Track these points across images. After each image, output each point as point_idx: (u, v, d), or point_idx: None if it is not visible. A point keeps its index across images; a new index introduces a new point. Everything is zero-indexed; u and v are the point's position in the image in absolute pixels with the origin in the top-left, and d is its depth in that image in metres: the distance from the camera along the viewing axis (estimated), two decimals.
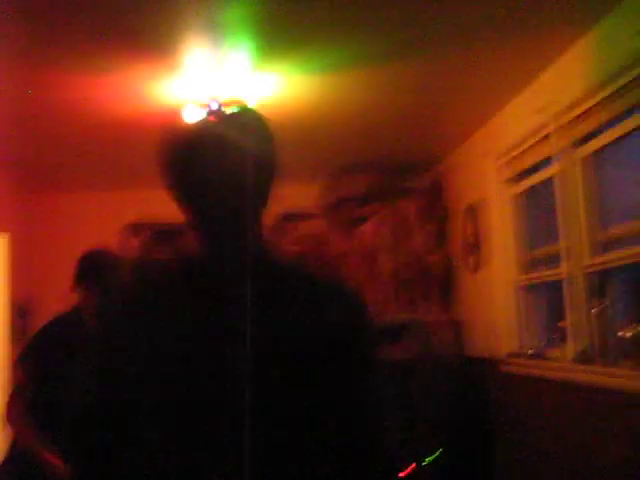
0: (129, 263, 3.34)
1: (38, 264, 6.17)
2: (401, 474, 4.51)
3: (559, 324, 4.01)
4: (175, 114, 4.07)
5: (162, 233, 5.78)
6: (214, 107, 3.83)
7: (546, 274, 4.23)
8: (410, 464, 4.33)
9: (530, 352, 4.23)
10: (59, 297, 5.84)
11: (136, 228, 5.77)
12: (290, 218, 6.13)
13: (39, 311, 5.97)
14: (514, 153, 4.41)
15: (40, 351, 3.18)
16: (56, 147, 4.97)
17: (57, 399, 3.02)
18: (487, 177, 4.82)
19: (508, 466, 4.65)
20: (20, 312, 5.75)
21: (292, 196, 6.59)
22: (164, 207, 6.10)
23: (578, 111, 3.58)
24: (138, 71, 3.64)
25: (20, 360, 3.25)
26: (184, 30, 3.26)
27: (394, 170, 5.80)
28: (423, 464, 4.58)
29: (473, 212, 5.10)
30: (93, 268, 3.28)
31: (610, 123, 3.44)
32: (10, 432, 3.22)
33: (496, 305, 4.73)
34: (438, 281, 5.63)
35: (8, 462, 3.24)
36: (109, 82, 3.76)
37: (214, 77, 3.72)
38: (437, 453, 4.56)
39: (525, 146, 4.24)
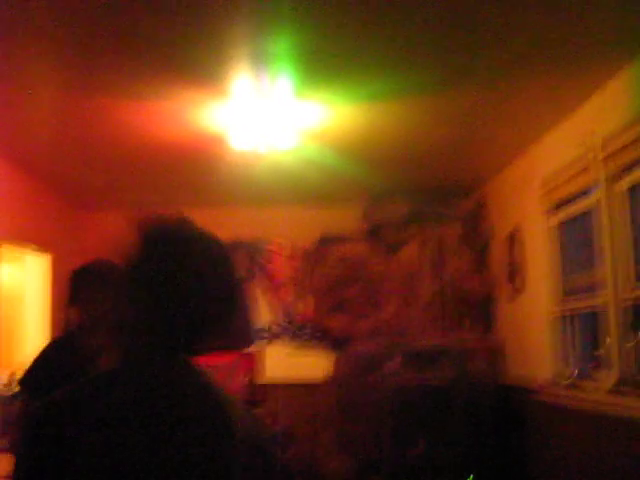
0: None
1: None
2: None
3: (595, 353, 4.02)
4: (221, 141, 4.19)
5: None
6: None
7: (583, 304, 4.23)
8: None
9: (565, 382, 4.23)
10: None
11: None
12: (330, 241, 6.26)
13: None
14: (556, 182, 4.42)
15: (37, 374, 3.01)
16: (102, 168, 5.11)
17: None
18: (527, 205, 4.83)
19: None
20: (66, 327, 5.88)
21: (333, 220, 6.75)
22: (204, 227, 6.20)
23: (619, 143, 3.59)
24: (185, 98, 3.74)
25: (21, 385, 3.12)
26: (231, 59, 3.34)
27: (435, 196, 5.85)
28: None
29: (514, 238, 5.11)
30: (83, 283, 2.96)
31: None
32: None
33: (533, 333, 4.73)
34: (476, 307, 5.64)
35: None
36: (157, 108, 3.89)
37: (259, 105, 3.81)
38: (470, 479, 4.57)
39: (565, 176, 4.25)
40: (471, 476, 4.67)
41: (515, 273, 5.09)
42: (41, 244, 5.42)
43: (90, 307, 2.86)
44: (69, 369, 3.04)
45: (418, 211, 5.84)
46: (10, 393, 5.83)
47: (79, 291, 2.93)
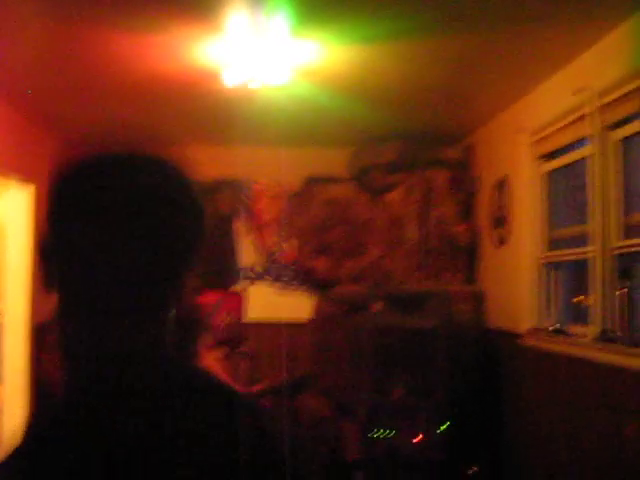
0: None
1: None
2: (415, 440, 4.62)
3: (578, 300, 4.08)
4: (214, 77, 4.11)
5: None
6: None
7: (571, 252, 4.27)
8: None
9: (551, 328, 4.28)
10: None
11: None
12: (317, 182, 6.23)
13: None
14: (547, 131, 4.41)
15: None
16: (91, 101, 5.00)
17: None
18: (518, 153, 4.82)
19: (518, 440, 4.73)
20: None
21: (322, 160, 6.74)
22: (194, 164, 6.19)
23: (615, 95, 3.58)
24: (179, 32, 3.65)
25: None
26: None
27: (424, 140, 5.82)
28: (437, 431, 4.68)
29: (502, 186, 5.11)
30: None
31: None
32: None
33: (519, 280, 4.77)
34: (463, 252, 5.67)
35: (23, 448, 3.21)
36: (149, 42, 3.78)
37: (254, 41, 3.73)
38: (446, 425, 4.64)
39: (559, 125, 4.24)
40: (447, 423, 4.74)
41: (502, 221, 5.10)
42: (23, 174, 5.33)
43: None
44: None
45: (406, 156, 5.81)
46: None
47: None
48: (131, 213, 1.07)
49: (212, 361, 3.41)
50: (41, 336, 5.01)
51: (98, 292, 1.07)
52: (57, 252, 1.11)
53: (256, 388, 3.14)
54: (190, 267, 1.16)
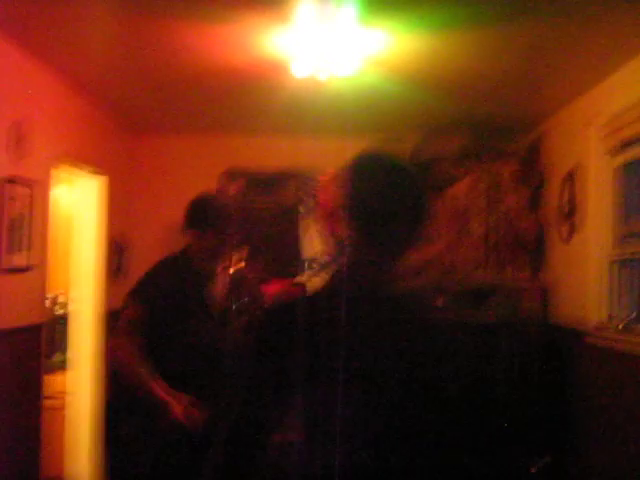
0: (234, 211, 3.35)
1: (134, 205, 6.35)
2: None
3: None
4: (282, 68, 4.12)
5: (258, 181, 5.91)
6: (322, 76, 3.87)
7: None
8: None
9: (619, 326, 4.19)
10: (154, 237, 6.06)
11: (233, 175, 5.92)
12: None
13: (134, 249, 6.18)
14: (620, 122, 4.30)
15: (157, 286, 3.22)
16: (160, 91, 5.06)
17: (170, 335, 3.17)
18: (589, 144, 4.72)
19: (582, 438, 4.65)
20: (117, 248, 5.95)
21: (390, 151, 6.61)
22: (260, 155, 6.22)
23: None
24: (247, 22, 3.67)
25: (135, 294, 3.27)
26: None
27: (491, 131, 5.74)
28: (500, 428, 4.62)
29: (571, 179, 5.01)
30: (205, 213, 3.27)
31: None
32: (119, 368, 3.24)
33: (587, 275, 4.67)
34: (528, 247, 5.58)
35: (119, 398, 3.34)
36: (218, 32, 3.81)
37: (322, 31, 3.73)
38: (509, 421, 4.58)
39: (632, 116, 4.13)
40: (509, 420, 4.68)
41: (570, 215, 5.01)
42: (96, 166, 5.44)
43: (208, 234, 3.20)
44: (179, 286, 3.20)
45: (473, 146, 5.74)
46: (53, 316, 5.95)
47: (198, 217, 3.25)
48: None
49: None
50: (111, 323, 5.10)
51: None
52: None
53: None
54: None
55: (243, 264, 3.06)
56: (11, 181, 4.01)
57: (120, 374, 3.24)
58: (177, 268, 3.30)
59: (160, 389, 3.03)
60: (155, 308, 3.16)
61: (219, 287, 3.25)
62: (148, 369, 3.07)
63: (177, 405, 3.02)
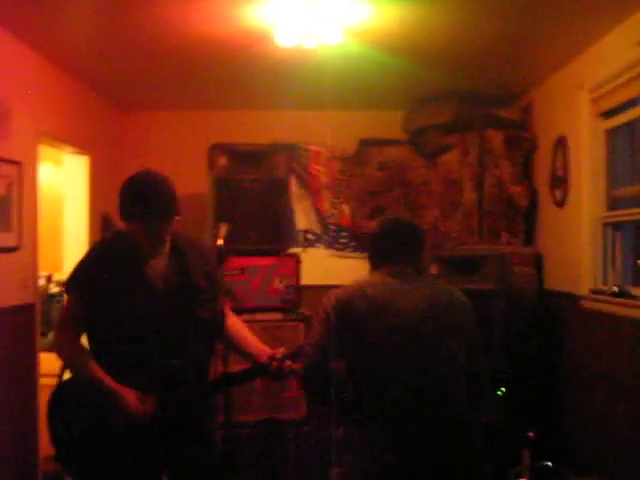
0: None
1: (122, 181, 6.29)
2: None
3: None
4: (266, 38, 4.07)
5: (246, 155, 5.85)
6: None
7: (633, 212, 4.16)
8: None
9: (613, 290, 4.18)
10: None
11: (221, 148, 5.87)
12: (371, 145, 6.17)
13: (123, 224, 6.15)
14: (607, 87, 4.27)
15: (90, 275, 3.06)
16: (143, 66, 4.99)
17: (110, 324, 3.05)
18: (577, 110, 4.69)
19: (577, 403, 4.66)
20: (107, 224, 5.91)
21: (376, 122, 6.66)
22: (247, 128, 6.19)
23: None
24: None
25: (68, 286, 3.15)
26: None
27: (480, 99, 5.70)
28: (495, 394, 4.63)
29: (560, 145, 4.99)
30: (148, 198, 3.01)
31: None
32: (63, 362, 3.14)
33: (579, 241, 4.66)
34: (520, 214, 5.56)
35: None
36: (201, 3, 3.75)
37: (306, 0, 3.69)
38: (503, 388, 4.58)
39: (620, 81, 4.10)
40: (504, 386, 4.68)
41: (561, 181, 4.99)
42: (80, 145, 5.39)
43: (152, 219, 2.96)
44: (115, 269, 3.07)
45: (462, 116, 5.70)
46: (48, 294, 5.94)
47: (141, 204, 2.98)
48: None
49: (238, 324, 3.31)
50: None
51: None
52: None
53: (281, 350, 3.10)
54: None
55: (222, 242, 2.92)
56: None
57: (67, 367, 3.17)
58: (113, 250, 3.12)
59: (108, 380, 2.96)
60: (90, 297, 3.01)
61: (162, 263, 3.12)
62: (91, 361, 2.97)
63: (129, 396, 2.94)
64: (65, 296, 3.21)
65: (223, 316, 2.94)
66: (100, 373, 2.95)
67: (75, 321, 3.04)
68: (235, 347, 3.14)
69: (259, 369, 3.11)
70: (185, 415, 3.02)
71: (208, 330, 3.04)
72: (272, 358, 3.04)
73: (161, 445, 3.00)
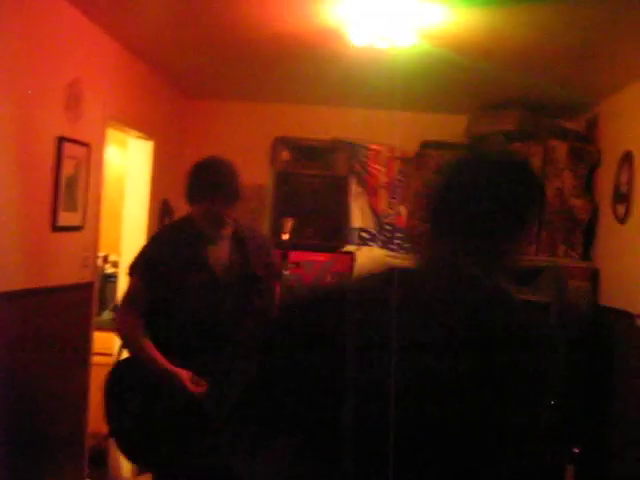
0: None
1: (184, 167, 6.36)
2: None
3: None
4: (338, 36, 4.08)
5: (309, 150, 5.89)
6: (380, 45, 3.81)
7: None
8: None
9: None
10: None
11: (284, 142, 5.91)
12: (432, 148, 6.14)
13: (182, 211, 6.22)
14: None
15: (153, 259, 3.17)
16: (213, 56, 5.04)
17: (171, 307, 3.13)
18: None
19: (627, 423, 4.60)
20: (167, 209, 5.99)
21: (441, 125, 6.61)
22: (312, 124, 6.22)
23: None
24: None
25: (132, 269, 3.24)
26: None
27: (547, 109, 5.64)
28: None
29: (629, 160, 4.91)
30: (215, 178, 3.18)
31: None
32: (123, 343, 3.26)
33: (636, 260, 4.59)
34: (580, 227, 5.49)
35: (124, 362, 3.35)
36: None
37: (380, 0, 3.69)
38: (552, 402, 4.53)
39: None
40: (553, 400, 4.62)
41: (624, 197, 4.91)
42: (145, 130, 5.47)
43: (218, 201, 3.09)
44: (178, 254, 3.14)
45: (527, 125, 5.64)
46: (103, 274, 6.05)
47: (207, 184, 3.14)
48: None
49: None
50: None
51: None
52: None
53: None
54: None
55: (287, 236, 3.00)
56: (68, 140, 4.06)
57: (126, 348, 3.25)
58: (177, 236, 3.23)
59: (165, 362, 3.03)
60: (153, 281, 3.13)
61: (225, 251, 3.18)
62: (149, 343, 3.07)
63: (184, 377, 3.02)
64: (128, 278, 3.28)
65: (275, 307, 3.02)
66: (157, 354, 3.03)
67: (137, 303, 3.13)
68: None
69: None
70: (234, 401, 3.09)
71: (261, 319, 3.10)
72: None
73: (210, 429, 3.07)
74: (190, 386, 3.02)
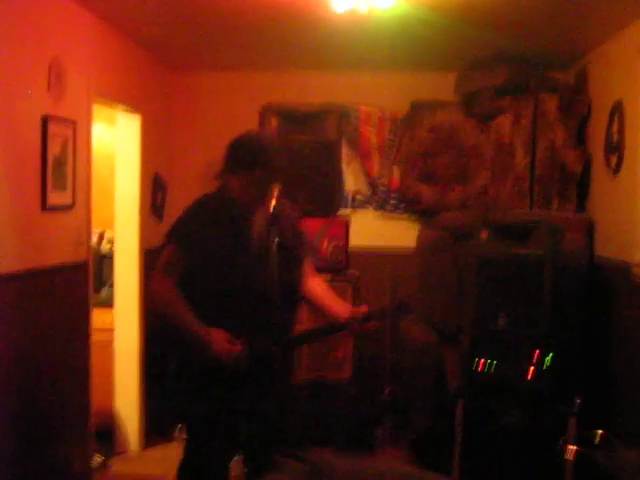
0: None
1: (173, 141, 6.35)
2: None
3: None
4: (321, 3, 4.03)
5: (298, 117, 5.86)
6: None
7: None
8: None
9: None
10: (194, 173, 6.08)
11: (273, 109, 5.87)
12: (422, 108, 6.11)
13: (175, 185, 6.21)
14: None
15: (193, 226, 3.27)
16: (196, 27, 4.99)
17: (208, 272, 3.22)
18: (637, 74, 4.58)
19: (624, 373, 4.63)
20: (159, 184, 5.99)
21: (429, 83, 6.58)
22: (299, 91, 6.19)
23: None
24: None
25: (171, 235, 3.34)
26: None
27: (535, 63, 5.59)
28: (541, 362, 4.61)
29: (619, 110, 4.88)
30: (254, 151, 3.28)
31: None
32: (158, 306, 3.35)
33: (633, 209, 4.59)
34: (573, 180, 5.48)
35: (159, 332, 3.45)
36: None
37: None
38: (550, 355, 4.55)
39: None
40: (551, 353, 4.65)
41: (616, 147, 4.89)
42: (132, 104, 5.43)
43: (256, 174, 3.22)
44: (217, 224, 3.24)
45: (516, 80, 5.60)
46: (100, 252, 6.06)
47: (248, 157, 3.25)
48: None
49: (320, 284, 3.49)
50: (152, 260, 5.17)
51: None
52: None
53: (362, 310, 3.27)
54: None
55: (274, 202, 3.08)
56: (53, 119, 4.03)
57: (161, 312, 3.32)
58: (215, 206, 3.32)
59: (201, 324, 3.11)
60: (191, 248, 3.21)
61: (260, 223, 3.26)
62: (187, 306, 3.14)
63: (220, 338, 3.10)
64: (166, 245, 3.36)
65: (302, 277, 3.31)
66: (193, 317, 3.11)
67: (173, 268, 3.24)
68: (317, 306, 3.37)
69: (339, 326, 3.35)
70: (268, 367, 3.18)
71: (292, 290, 3.29)
72: (352, 319, 3.25)
73: (244, 391, 3.19)
74: (224, 345, 3.09)
